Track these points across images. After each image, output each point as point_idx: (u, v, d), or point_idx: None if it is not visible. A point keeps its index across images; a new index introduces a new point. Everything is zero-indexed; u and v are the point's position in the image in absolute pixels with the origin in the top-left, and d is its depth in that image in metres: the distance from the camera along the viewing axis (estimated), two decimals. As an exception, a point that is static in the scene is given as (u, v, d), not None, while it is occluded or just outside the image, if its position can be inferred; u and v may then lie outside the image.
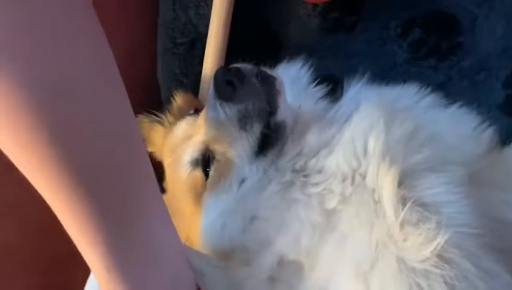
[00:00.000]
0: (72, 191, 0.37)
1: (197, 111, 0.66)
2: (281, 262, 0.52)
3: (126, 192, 0.40)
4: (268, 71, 0.59)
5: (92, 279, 0.48)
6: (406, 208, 0.46)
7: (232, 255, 0.57)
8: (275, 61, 0.71)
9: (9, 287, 0.79)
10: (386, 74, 0.70)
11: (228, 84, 0.55)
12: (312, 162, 0.54)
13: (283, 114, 0.57)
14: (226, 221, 0.58)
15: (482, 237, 0.47)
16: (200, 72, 0.76)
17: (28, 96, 0.34)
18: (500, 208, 0.52)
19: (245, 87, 0.55)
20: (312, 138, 0.55)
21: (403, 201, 0.47)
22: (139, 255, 0.42)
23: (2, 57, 0.33)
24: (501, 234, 0.50)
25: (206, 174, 0.59)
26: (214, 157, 0.59)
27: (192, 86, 0.77)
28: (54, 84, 0.35)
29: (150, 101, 0.80)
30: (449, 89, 0.66)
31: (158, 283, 0.44)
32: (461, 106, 0.59)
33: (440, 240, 0.44)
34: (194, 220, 0.61)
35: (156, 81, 0.82)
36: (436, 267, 0.44)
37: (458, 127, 0.56)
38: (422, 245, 0.44)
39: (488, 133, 0.57)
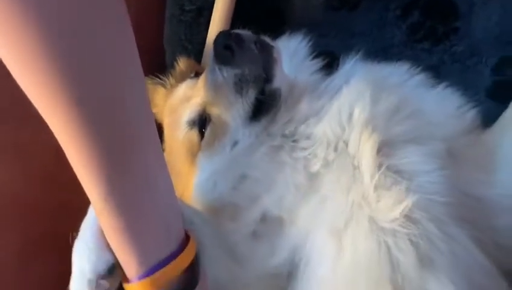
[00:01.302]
0: (75, 119, 0.41)
1: (197, 74, 0.69)
2: (264, 218, 0.56)
3: (127, 127, 0.44)
4: (267, 40, 0.62)
5: (91, 212, 0.52)
6: (380, 172, 0.50)
7: (221, 211, 0.60)
8: (277, 35, 0.74)
9: (9, 232, 0.83)
10: (381, 53, 0.72)
11: (227, 49, 0.58)
12: (301, 129, 0.58)
13: (278, 82, 0.60)
14: (217, 180, 0.61)
15: (451, 207, 0.50)
16: (205, 39, 0.79)
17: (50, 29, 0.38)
18: (474, 185, 0.55)
19: (243, 52, 0.58)
20: (303, 107, 0.59)
21: (380, 167, 0.51)
22: (134, 188, 0.46)
23: None
24: (471, 208, 0.54)
25: (202, 134, 0.63)
26: (210, 119, 0.62)
27: (196, 52, 0.80)
28: (74, 24, 0.39)
29: (155, 64, 0.83)
30: (441, 72, 0.68)
31: (151, 219, 0.48)
32: (448, 86, 0.61)
33: (408, 202, 0.47)
34: (189, 178, 0.65)
35: (162, 45, 0.85)
36: (403, 227, 0.48)
37: (442, 105, 0.59)
38: (392, 206, 0.48)
39: (471, 114, 0.60)
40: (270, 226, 0.56)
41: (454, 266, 0.47)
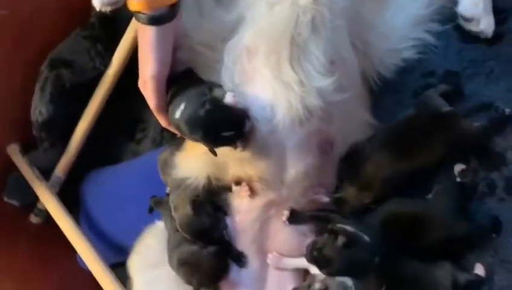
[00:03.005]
0: None
1: None
2: None
3: None
4: None
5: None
6: None
7: None
8: None
9: None
10: None
11: None
12: None
13: None
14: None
15: (346, 11, 0.79)
16: None
17: None
18: (369, 11, 0.84)
19: None
20: None
21: None
22: None
23: None
24: (359, 22, 0.83)
25: None
26: None
27: None
28: None
29: None
30: None
31: None
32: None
33: None
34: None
35: None
36: (311, 4, 0.76)
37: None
38: None
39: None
40: (229, -5, 0.83)
41: (329, 41, 0.78)
